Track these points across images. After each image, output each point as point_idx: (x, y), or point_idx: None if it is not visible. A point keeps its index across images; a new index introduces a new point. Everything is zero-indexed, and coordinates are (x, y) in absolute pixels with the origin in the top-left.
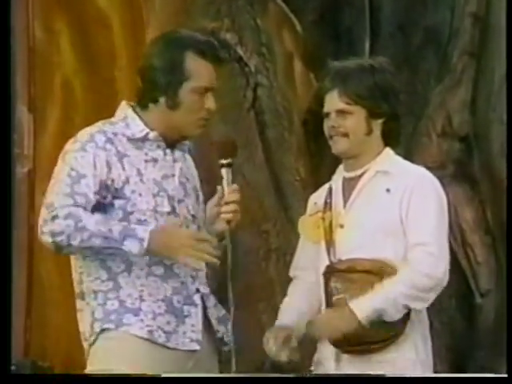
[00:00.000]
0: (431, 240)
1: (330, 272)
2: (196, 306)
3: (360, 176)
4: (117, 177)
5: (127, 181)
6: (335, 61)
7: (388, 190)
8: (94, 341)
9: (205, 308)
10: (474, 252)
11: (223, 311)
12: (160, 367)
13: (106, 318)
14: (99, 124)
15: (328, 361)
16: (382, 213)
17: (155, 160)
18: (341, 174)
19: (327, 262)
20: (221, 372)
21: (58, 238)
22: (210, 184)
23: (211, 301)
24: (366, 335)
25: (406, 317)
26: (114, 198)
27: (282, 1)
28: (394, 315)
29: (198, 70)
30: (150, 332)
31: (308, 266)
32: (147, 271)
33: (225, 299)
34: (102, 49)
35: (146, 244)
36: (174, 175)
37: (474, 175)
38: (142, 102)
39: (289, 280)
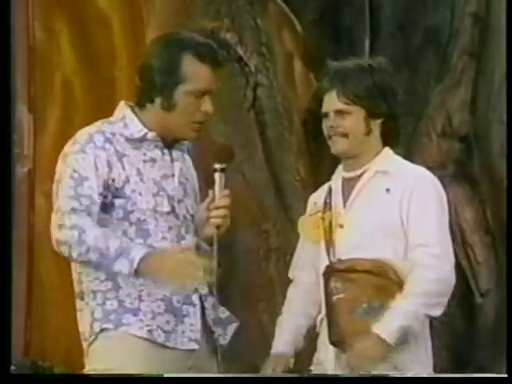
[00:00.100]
0: (433, 240)
1: (330, 272)
2: (194, 305)
3: (359, 176)
4: (117, 176)
5: (127, 180)
6: (335, 61)
7: (388, 190)
8: (94, 340)
9: (203, 308)
10: (474, 252)
11: (227, 313)
12: (159, 367)
13: (106, 317)
14: (98, 123)
15: (328, 361)
16: (382, 213)
17: (153, 160)
18: (340, 173)
19: (327, 262)
20: (219, 372)
21: (62, 248)
22: (208, 184)
23: (209, 301)
24: None
25: None
26: (115, 197)
27: (282, 1)
28: (418, 327)
29: (195, 72)
30: (150, 332)
31: (308, 265)
32: None
33: (225, 299)
34: (102, 49)
35: (135, 265)
36: (173, 175)
37: (474, 175)
38: (140, 102)
39: (289, 280)
